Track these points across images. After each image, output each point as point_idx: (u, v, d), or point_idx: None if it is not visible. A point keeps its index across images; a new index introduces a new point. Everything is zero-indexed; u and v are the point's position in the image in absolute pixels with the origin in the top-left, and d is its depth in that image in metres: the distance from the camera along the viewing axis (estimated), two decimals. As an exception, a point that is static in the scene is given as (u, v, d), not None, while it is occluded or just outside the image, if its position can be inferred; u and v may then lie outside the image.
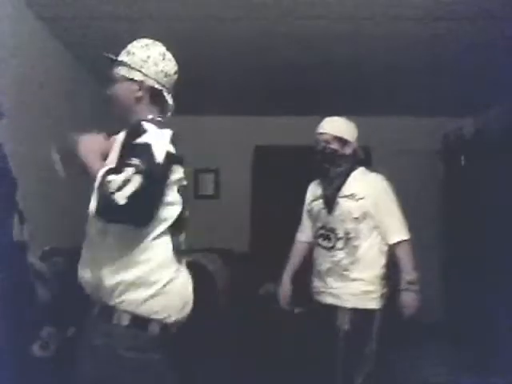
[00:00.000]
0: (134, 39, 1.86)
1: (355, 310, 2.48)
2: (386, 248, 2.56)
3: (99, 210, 1.51)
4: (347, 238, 2.53)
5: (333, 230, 2.58)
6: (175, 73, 1.83)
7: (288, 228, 5.52)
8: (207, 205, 5.80)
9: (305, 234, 2.87)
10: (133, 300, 1.60)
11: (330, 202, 2.61)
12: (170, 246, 1.69)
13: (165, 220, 1.66)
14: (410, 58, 3.87)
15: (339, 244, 2.55)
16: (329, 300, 2.57)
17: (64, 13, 3.19)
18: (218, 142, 5.74)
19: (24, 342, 2.46)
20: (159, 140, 1.61)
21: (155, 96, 1.77)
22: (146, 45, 1.81)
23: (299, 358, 3.67)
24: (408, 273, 2.50)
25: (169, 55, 1.84)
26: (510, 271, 3.83)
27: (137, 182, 1.49)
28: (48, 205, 3.38)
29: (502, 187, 4.12)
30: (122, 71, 1.79)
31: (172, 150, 1.63)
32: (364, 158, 2.70)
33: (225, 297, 4.52)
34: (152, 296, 1.62)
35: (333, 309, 2.53)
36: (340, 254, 2.54)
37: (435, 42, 3.58)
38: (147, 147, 1.56)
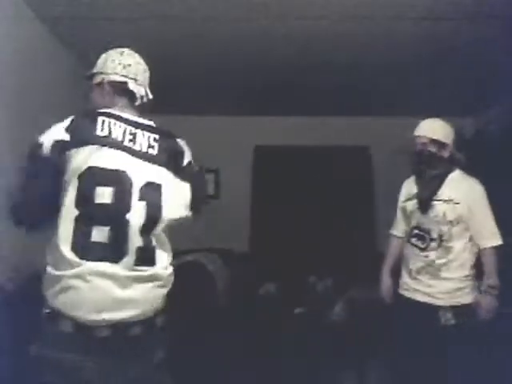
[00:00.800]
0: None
1: (453, 307, 2.57)
2: (475, 249, 2.65)
3: None
4: (441, 240, 2.61)
5: (427, 231, 2.65)
6: (137, 63, 1.89)
7: (288, 228, 5.57)
8: (207, 205, 5.79)
9: (399, 229, 2.92)
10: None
11: (424, 204, 2.67)
12: None
13: None
14: (410, 57, 3.87)
15: (433, 245, 2.63)
16: (423, 299, 2.64)
17: (64, 13, 3.19)
18: (218, 142, 5.74)
19: (24, 341, 2.46)
20: None
21: (122, 90, 1.83)
22: (106, 53, 1.92)
23: (299, 357, 3.67)
24: (491, 278, 2.60)
25: (128, 51, 1.92)
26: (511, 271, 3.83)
27: None
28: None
29: (501, 187, 4.12)
30: (92, 82, 1.90)
31: None
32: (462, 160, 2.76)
33: (225, 297, 4.52)
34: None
35: (427, 306, 2.61)
36: (433, 255, 2.62)
37: (435, 41, 3.58)
38: None
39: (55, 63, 3.66)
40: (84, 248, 1.58)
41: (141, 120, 1.82)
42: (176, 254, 4.72)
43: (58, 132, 1.65)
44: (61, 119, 1.99)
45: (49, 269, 1.62)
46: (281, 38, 3.60)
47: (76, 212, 1.58)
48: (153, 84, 1.94)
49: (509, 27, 3.27)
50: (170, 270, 1.79)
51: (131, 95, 1.84)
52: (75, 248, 1.57)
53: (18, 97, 3.01)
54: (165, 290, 1.75)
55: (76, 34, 3.49)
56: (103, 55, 1.92)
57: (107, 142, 1.66)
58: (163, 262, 1.75)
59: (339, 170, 5.73)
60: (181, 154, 1.88)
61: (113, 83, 1.83)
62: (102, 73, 1.86)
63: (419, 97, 4.83)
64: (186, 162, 1.91)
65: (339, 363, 3.70)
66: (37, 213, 1.63)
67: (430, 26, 3.36)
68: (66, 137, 1.63)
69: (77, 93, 4.10)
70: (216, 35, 3.55)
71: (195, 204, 1.93)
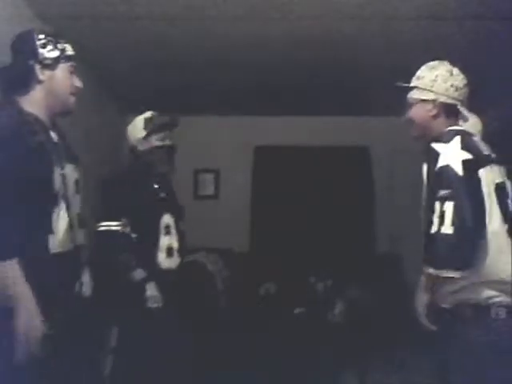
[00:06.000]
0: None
1: None
2: None
3: None
4: None
5: None
6: (465, 86, 2.05)
7: (288, 228, 5.57)
8: (207, 205, 5.80)
9: None
10: None
11: None
12: None
13: None
14: (410, 58, 3.86)
15: None
16: None
17: (64, 13, 3.19)
18: (218, 142, 5.74)
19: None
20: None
21: (449, 111, 2.01)
22: (433, 67, 2.07)
23: (299, 357, 3.67)
24: None
25: (456, 71, 2.06)
26: None
27: None
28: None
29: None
30: (414, 95, 2.09)
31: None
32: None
33: (225, 297, 4.52)
34: None
35: None
36: None
37: (435, 42, 3.58)
38: None
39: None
40: None
41: None
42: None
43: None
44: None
45: None
46: (281, 38, 3.60)
47: None
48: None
49: (509, 27, 3.27)
50: None
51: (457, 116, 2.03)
52: None
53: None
54: None
55: (76, 34, 3.49)
56: (427, 68, 2.10)
57: (491, 159, 1.96)
58: None
59: (339, 170, 5.74)
60: None
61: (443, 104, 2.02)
62: (432, 91, 2.02)
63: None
64: None
65: (339, 363, 3.70)
66: None
67: (430, 26, 3.36)
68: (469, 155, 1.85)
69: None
70: (216, 35, 3.55)
71: None
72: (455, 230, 1.73)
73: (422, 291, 1.93)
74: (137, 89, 4.65)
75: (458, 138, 1.88)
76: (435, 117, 2.02)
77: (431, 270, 1.83)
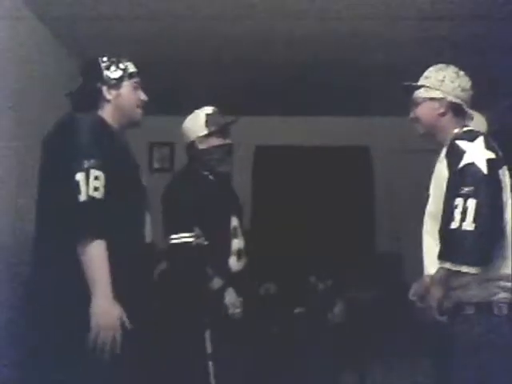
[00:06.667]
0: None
1: None
2: None
3: None
4: None
5: None
6: (470, 87, 2.11)
7: (288, 228, 5.56)
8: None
9: None
10: None
11: None
12: None
13: None
14: (410, 58, 3.87)
15: None
16: None
17: (64, 13, 3.19)
18: (218, 141, 5.73)
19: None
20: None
21: (456, 110, 2.06)
22: (440, 68, 2.12)
23: (299, 358, 3.67)
24: None
25: (462, 73, 2.12)
26: None
27: None
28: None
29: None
30: (422, 94, 2.14)
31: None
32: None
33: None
34: None
35: None
36: None
37: (436, 42, 3.58)
38: None
39: (55, 63, 3.66)
40: None
41: None
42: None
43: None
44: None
45: None
46: (281, 38, 3.60)
47: None
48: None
49: (508, 27, 3.28)
50: None
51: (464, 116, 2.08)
52: None
53: (18, 97, 3.01)
54: None
55: (76, 34, 3.49)
56: (434, 69, 2.13)
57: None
58: None
59: (339, 170, 5.73)
60: None
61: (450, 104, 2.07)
62: (440, 90, 2.07)
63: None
64: None
65: (339, 363, 3.70)
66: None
67: (430, 26, 3.37)
68: (492, 155, 1.89)
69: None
70: (216, 35, 3.55)
71: None
72: (476, 228, 1.78)
73: (435, 285, 1.93)
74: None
75: (481, 138, 1.93)
76: (442, 115, 2.07)
77: (448, 265, 1.85)
